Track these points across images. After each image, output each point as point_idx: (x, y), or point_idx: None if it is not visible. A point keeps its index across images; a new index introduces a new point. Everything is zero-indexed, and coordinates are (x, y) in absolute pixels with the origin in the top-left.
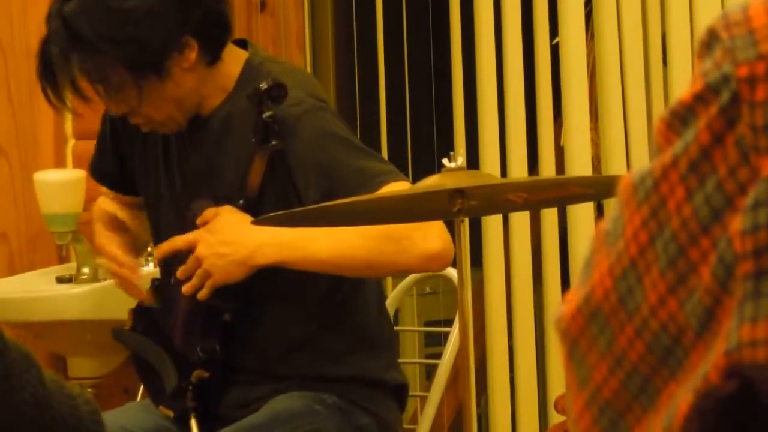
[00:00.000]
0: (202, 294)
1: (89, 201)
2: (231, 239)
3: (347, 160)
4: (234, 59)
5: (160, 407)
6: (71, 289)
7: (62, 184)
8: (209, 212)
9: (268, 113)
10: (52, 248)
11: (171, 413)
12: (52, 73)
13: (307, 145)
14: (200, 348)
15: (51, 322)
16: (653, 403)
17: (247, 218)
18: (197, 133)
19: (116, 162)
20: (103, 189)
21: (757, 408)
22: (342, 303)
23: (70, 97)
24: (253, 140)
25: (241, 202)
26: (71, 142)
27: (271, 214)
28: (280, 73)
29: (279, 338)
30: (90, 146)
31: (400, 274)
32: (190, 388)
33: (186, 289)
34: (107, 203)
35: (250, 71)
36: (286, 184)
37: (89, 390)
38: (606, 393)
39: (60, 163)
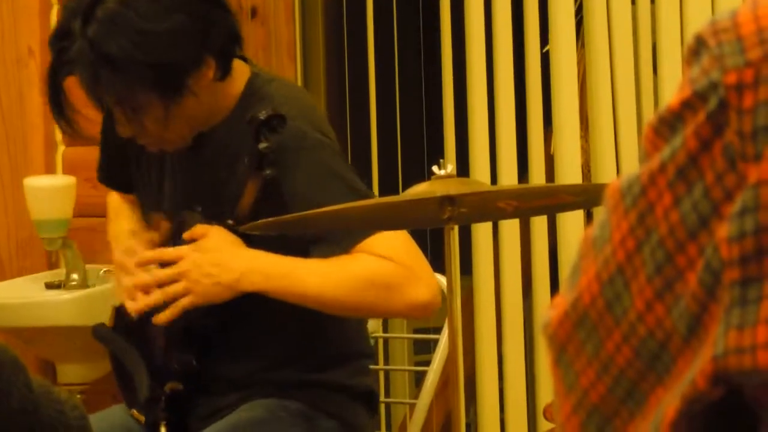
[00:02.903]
0: (169, 312)
1: (79, 207)
2: (219, 261)
3: (343, 200)
4: (238, 75)
5: (133, 411)
6: (60, 295)
7: (52, 190)
8: (199, 229)
9: (264, 144)
10: (42, 254)
11: (142, 418)
12: (60, 102)
13: (304, 181)
14: (177, 361)
15: (40, 328)
16: (640, 408)
17: (238, 241)
18: (195, 148)
19: (122, 164)
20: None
21: (743, 414)
22: (320, 319)
23: (79, 122)
24: (248, 166)
25: (230, 222)
26: (61, 148)
27: (261, 220)
28: (283, 99)
29: (255, 353)
30: (80, 152)
31: (383, 318)
32: (163, 398)
33: (161, 319)
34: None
35: (252, 90)
36: (279, 213)
37: (78, 396)
38: (593, 398)
39: (50, 169)
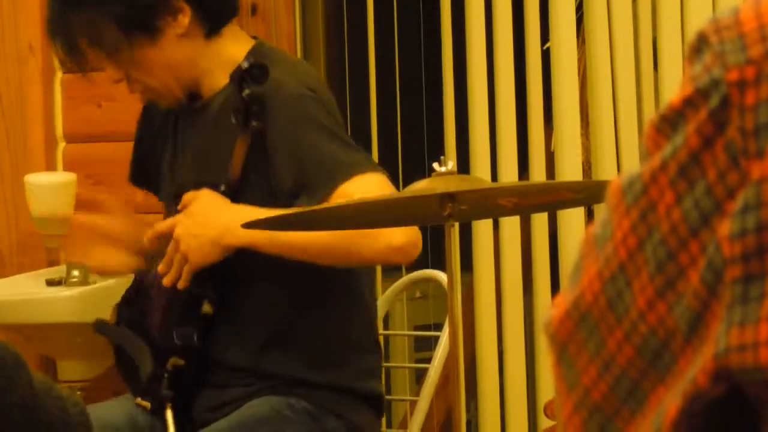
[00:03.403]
0: (183, 280)
1: (79, 204)
2: (203, 221)
3: (323, 146)
4: (239, 42)
5: (138, 399)
6: (61, 291)
7: (53, 187)
8: (188, 196)
9: (247, 92)
10: (42, 251)
11: (147, 404)
12: (69, 32)
13: (284, 128)
14: (177, 334)
15: (41, 325)
16: (642, 407)
17: (225, 201)
18: (198, 118)
19: (151, 162)
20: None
21: (745, 412)
22: (324, 305)
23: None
24: (235, 122)
25: (222, 188)
26: (62, 144)
27: (262, 218)
28: (278, 62)
29: (257, 333)
30: (80, 149)
31: (365, 264)
32: (166, 375)
33: (166, 280)
34: None
35: (254, 58)
36: (266, 168)
37: (78, 393)
38: (595, 397)
39: (51, 166)
